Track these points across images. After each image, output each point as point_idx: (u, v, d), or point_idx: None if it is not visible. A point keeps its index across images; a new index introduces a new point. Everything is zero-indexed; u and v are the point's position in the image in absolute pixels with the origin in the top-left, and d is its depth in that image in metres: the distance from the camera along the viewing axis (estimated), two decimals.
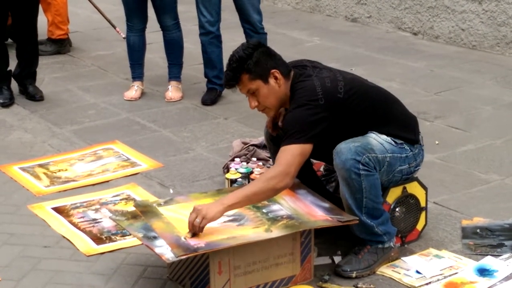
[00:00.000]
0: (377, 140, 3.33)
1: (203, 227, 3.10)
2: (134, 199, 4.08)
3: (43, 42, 6.71)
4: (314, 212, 3.30)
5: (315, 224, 3.21)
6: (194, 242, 3.05)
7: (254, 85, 3.34)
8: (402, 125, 3.46)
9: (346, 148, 3.23)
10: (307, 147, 3.24)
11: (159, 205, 3.40)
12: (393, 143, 3.37)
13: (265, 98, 3.36)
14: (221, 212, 3.13)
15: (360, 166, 3.21)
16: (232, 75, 3.35)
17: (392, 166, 3.36)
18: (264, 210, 3.33)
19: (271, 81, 3.34)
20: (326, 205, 3.35)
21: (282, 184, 3.20)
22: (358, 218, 3.26)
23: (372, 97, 3.43)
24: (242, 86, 3.38)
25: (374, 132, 3.36)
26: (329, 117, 3.27)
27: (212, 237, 3.09)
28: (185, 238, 3.09)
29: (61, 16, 6.76)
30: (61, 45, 6.88)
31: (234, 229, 3.18)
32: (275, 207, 3.36)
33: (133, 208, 3.43)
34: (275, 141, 3.60)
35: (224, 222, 3.23)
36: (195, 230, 3.10)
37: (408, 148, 3.42)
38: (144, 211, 3.33)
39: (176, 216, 3.29)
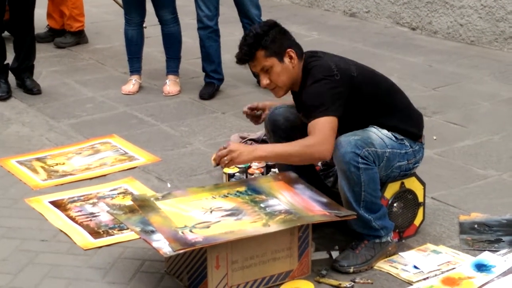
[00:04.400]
0: (378, 134, 3.33)
1: (229, 166, 3.23)
2: (131, 193, 4.08)
3: (62, 34, 6.94)
4: (312, 207, 3.29)
5: (313, 219, 3.21)
6: (192, 236, 3.05)
7: (268, 62, 3.35)
8: (406, 117, 3.47)
9: (346, 141, 3.23)
10: (334, 120, 3.24)
11: (157, 199, 3.39)
12: (393, 138, 3.37)
13: (278, 77, 3.37)
14: (250, 161, 3.23)
15: (359, 159, 3.21)
16: (248, 50, 3.35)
17: (391, 161, 3.36)
18: (262, 205, 3.32)
19: (286, 60, 3.37)
20: (324, 200, 3.34)
21: (318, 155, 3.22)
22: (356, 213, 3.26)
23: (379, 83, 3.47)
24: (256, 63, 3.37)
25: (375, 127, 3.37)
26: (345, 93, 3.29)
27: (209, 232, 3.09)
28: (216, 165, 3.25)
29: (78, 9, 6.87)
30: (80, 36, 6.97)
31: (231, 223, 3.17)
32: (273, 201, 3.35)
33: (131, 202, 3.42)
34: (276, 131, 3.58)
35: (222, 216, 3.23)
36: (220, 164, 3.21)
37: (408, 144, 3.42)
38: (142, 205, 3.32)
39: (173, 210, 3.28)
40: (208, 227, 3.13)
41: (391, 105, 3.45)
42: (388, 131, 3.38)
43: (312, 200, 3.34)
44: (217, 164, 3.25)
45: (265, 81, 3.40)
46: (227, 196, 3.40)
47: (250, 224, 3.17)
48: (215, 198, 3.39)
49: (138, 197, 3.48)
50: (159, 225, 3.14)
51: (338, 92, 3.28)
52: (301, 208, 3.29)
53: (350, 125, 3.34)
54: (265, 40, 3.33)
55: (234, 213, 3.26)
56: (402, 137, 3.40)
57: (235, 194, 3.41)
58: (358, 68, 3.44)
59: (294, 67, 3.38)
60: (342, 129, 3.30)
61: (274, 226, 3.14)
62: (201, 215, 3.23)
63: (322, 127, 3.22)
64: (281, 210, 3.27)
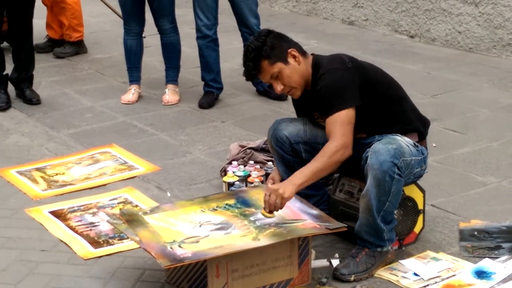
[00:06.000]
0: (404, 142, 3.36)
1: (283, 206, 3.22)
2: (131, 203, 4.08)
3: (61, 45, 6.95)
4: (302, 219, 3.28)
5: (303, 232, 3.19)
6: (180, 252, 3.02)
7: (276, 69, 3.38)
8: (416, 113, 3.56)
9: (384, 149, 3.23)
10: (352, 113, 3.31)
11: (145, 213, 3.35)
12: (413, 145, 3.41)
13: (290, 78, 3.40)
14: (294, 192, 3.25)
15: (396, 169, 3.22)
16: (252, 65, 3.40)
17: (412, 169, 3.38)
18: (251, 218, 3.30)
19: (291, 60, 3.40)
20: (314, 212, 3.34)
21: (345, 156, 3.29)
22: (346, 225, 3.25)
23: (385, 75, 3.56)
24: (264, 74, 3.41)
25: (398, 135, 3.40)
26: (358, 81, 3.35)
27: (198, 247, 3.07)
28: (262, 214, 3.24)
29: (77, 19, 6.89)
30: (79, 46, 6.99)
31: (221, 238, 3.15)
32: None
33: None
34: (280, 146, 3.58)
35: (211, 230, 3.21)
36: (276, 209, 3.22)
37: (421, 150, 3.45)
38: (130, 220, 3.28)
39: (162, 224, 3.25)
40: (197, 242, 3.11)
41: (399, 97, 3.52)
42: (407, 131, 3.43)
43: (302, 212, 3.33)
44: (271, 211, 3.24)
45: (279, 87, 3.42)
46: (216, 210, 3.38)
47: (240, 238, 3.14)
48: (204, 211, 3.37)
49: (126, 211, 3.45)
50: (148, 241, 3.11)
51: (353, 79, 3.34)
52: (291, 220, 3.27)
53: (368, 121, 3.38)
54: (265, 49, 3.37)
55: (223, 227, 3.24)
56: (417, 143, 3.43)
57: (224, 207, 3.40)
58: (365, 62, 3.54)
59: (300, 64, 3.41)
60: (361, 127, 3.36)
61: (264, 240, 3.12)
62: (190, 229, 3.22)
63: (340, 125, 3.28)
64: (271, 224, 3.24)
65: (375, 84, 3.44)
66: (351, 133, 3.31)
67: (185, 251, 3.03)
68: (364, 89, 3.36)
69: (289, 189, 3.22)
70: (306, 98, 3.53)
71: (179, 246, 3.07)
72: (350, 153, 3.30)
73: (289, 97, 5.58)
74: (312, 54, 3.51)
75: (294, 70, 3.40)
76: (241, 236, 3.16)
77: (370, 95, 3.39)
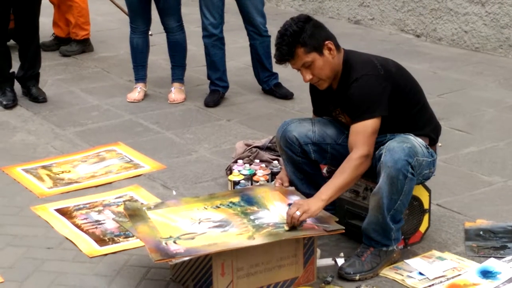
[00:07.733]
0: (417, 142, 3.35)
1: (302, 221, 3.18)
2: (137, 201, 4.08)
3: (67, 43, 6.96)
4: None
5: (300, 233, 3.18)
6: (174, 247, 3.03)
7: (309, 58, 3.33)
8: (432, 120, 3.55)
9: (399, 148, 3.22)
10: (378, 122, 3.30)
11: (149, 208, 3.36)
12: (425, 146, 3.40)
13: (321, 70, 3.36)
14: (321, 208, 3.22)
15: (410, 168, 3.22)
16: (287, 49, 3.32)
17: (422, 169, 3.38)
18: (251, 217, 3.30)
19: (326, 52, 3.35)
20: None
21: (367, 166, 3.28)
22: (344, 227, 3.24)
23: (411, 78, 3.53)
24: (296, 60, 3.35)
25: (411, 134, 3.39)
26: (389, 88, 3.33)
27: (193, 243, 3.07)
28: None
29: (84, 17, 6.89)
30: (85, 45, 7.00)
31: (217, 235, 3.15)
32: (263, 213, 3.33)
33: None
34: (290, 148, 3.57)
35: (209, 228, 3.21)
36: (294, 223, 3.17)
37: (431, 152, 3.44)
38: (132, 215, 3.30)
39: (162, 220, 3.26)
40: (192, 238, 3.12)
41: (421, 103, 3.51)
42: (418, 135, 3.41)
43: None
44: (293, 225, 3.20)
45: (308, 76, 3.37)
46: (219, 207, 3.39)
47: (236, 237, 3.14)
48: (206, 208, 3.37)
49: (130, 206, 3.47)
50: (144, 235, 3.13)
51: (384, 88, 3.31)
52: None
53: (386, 124, 3.36)
54: (303, 36, 3.30)
55: (222, 224, 3.24)
56: (428, 146, 3.43)
57: (228, 205, 3.40)
58: (393, 62, 3.50)
59: (334, 58, 3.37)
60: (384, 125, 3.36)
61: (259, 239, 3.12)
62: (188, 226, 3.22)
63: (364, 135, 3.27)
64: (269, 223, 3.24)
65: (402, 91, 3.42)
66: (373, 142, 3.30)
67: (179, 247, 3.04)
68: (391, 96, 3.34)
69: (315, 205, 3.21)
70: (328, 93, 3.50)
71: (174, 242, 3.08)
72: (370, 163, 3.29)
73: (295, 96, 5.63)
74: (343, 49, 3.47)
75: (327, 63, 3.35)
76: (237, 235, 3.16)
77: (396, 102, 3.37)
